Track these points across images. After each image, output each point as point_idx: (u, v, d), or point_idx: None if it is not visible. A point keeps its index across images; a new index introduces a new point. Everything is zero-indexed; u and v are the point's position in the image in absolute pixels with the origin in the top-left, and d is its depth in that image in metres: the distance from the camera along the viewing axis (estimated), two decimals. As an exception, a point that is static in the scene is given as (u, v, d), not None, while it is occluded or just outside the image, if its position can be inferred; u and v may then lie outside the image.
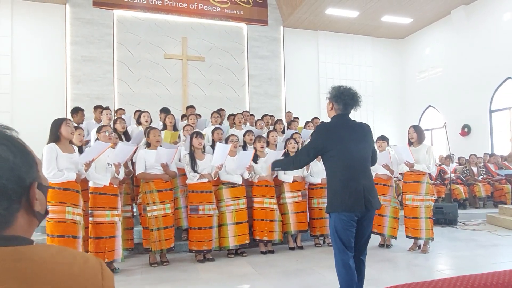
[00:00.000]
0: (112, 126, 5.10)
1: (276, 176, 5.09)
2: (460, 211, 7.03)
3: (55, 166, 3.56)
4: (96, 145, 3.91)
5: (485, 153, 9.12)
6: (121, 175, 4.27)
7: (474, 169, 8.67)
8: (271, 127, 6.60)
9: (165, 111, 6.52)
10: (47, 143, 3.64)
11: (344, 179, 2.61)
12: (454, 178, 8.34)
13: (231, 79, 10.83)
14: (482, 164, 8.76)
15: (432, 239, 4.84)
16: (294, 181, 5.06)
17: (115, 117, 5.87)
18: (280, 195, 5.16)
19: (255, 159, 4.93)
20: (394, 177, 5.26)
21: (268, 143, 5.29)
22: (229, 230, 4.65)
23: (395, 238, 5.06)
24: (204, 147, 4.85)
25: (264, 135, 5.65)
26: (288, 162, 3.09)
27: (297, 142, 5.16)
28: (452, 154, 8.78)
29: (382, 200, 4.70)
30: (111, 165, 4.07)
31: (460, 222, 6.77)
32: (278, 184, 5.17)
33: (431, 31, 11.90)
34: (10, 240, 0.67)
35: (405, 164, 4.81)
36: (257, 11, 11.16)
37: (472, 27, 10.40)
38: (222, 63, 10.75)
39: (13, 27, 9.15)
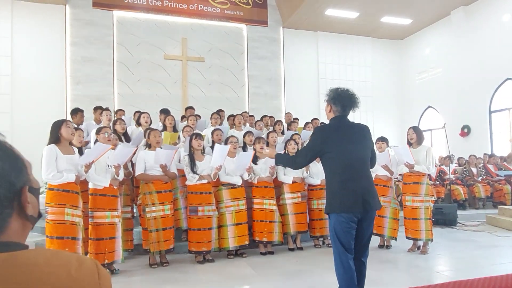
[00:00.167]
0: (112, 127, 5.11)
1: (276, 177, 5.10)
2: (459, 212, 7.02)
3: (54, 167, 3.56)
4: (96, 146, 3.91)
5: (484, 154, 9.11)
6: (121, 176, 4.27)
7: (474, 170, 8.67)
8: (271, 128, 6.59)
9: (165, 112, 6.49)
10: (47, 144, 3.64)
11: (342, 180, 2.61)
12: (453, 178, 8.33)
13: (230, 80, 10.84)
14: (482, 164, 8.75)
15: (432, 240, 4.84)
16: (293, 182, 5.06)
17: (115, 118, 5.85)
18: (279, 196, 5.16)
19: (255, 160, 4.93)
20: (394, 178, 5.26)
21: (267, 144, 5.30)
22: (228, 231, 4.65)
23: (395, 239, 5.06)
24: (203, 148, 4.85)
25: (264, 136, 5.65)
26: (288, 161, 3.15)
27: (297, 143, 5.15)
28: (452, 154, 8.78)
29: (382, 201, 4.67)
30: (111, 166, 4.08)
31: (459, 223, 6.76)
32: (277, 185, 5.16)
33: (430, 32, 11.91)
34: (4, 246, 0.67)
35: (405, 165, 4.81)
36: (256, 12, 11.17)
37: (472, 28, 10.41)
38: (222, 64, 10.76)
39: (13, 28, 9.16)
